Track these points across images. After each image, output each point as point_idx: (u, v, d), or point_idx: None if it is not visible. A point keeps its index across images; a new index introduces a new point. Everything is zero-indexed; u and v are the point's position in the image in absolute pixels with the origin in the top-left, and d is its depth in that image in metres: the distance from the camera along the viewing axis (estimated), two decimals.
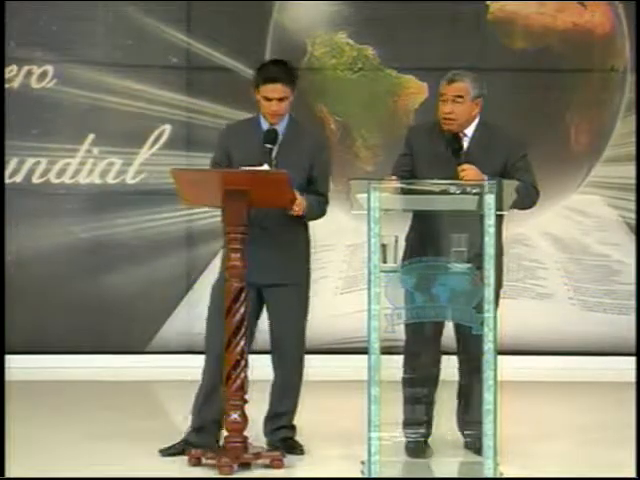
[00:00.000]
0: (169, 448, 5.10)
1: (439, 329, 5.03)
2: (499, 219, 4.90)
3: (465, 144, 5.07)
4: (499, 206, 4.68)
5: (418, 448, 5.00)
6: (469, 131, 5.09)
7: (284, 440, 5.20)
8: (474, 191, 4.76)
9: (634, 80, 7.21)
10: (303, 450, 5.19)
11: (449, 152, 5.03)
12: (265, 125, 5.13)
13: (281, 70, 5.14)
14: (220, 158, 5.16)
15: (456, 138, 5.05)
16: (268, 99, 5.07)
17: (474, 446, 4.94)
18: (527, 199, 5.06)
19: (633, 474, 4.58)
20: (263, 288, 5.11)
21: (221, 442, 5.03)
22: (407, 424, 5.06)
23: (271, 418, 5.26)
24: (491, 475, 4.69)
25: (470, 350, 4.91)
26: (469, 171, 4.92)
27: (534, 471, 4.89)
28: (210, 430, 5.10)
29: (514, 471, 4.76)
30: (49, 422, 5.70)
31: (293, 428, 5.27)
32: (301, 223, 5.17)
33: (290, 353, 5.25)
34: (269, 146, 5.03)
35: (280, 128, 5.12)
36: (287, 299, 5.17)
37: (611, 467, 4.93)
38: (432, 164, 5.04)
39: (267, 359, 5.27)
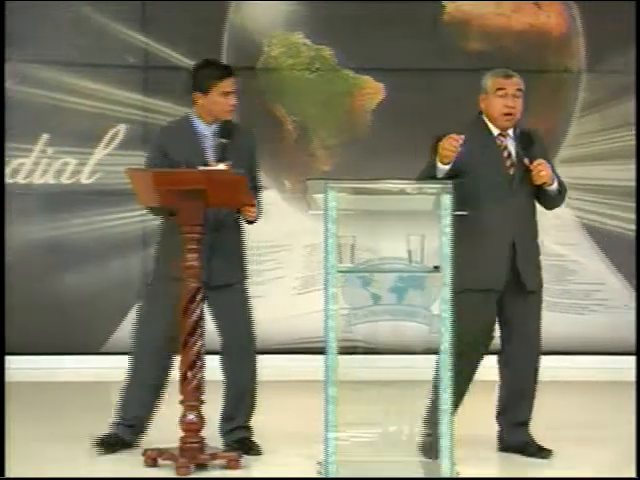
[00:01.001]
0: (102, 442, 5.09)
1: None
2: (533, 221, 4.99)
3: (510, 145, 4.99)
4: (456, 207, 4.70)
5: None
6: (510, 131, 5.02)
7: (240, 441, 5.17)
8: (431, 191, 4.77)
9: (588, 80, 7.26)
10: (260, 451, 5.17)
11: (499, 149, 4.95)
12: (200, 125, 5.05)
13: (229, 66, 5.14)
14: (156, 159, 5.07)
15: (528, 134, 4.96)
16: (228, 93, 5.03)
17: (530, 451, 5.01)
18: (563, 199, 5.09)
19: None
20: (208, 290, 5.05)
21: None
22: None
23: (227, 419, 5.23)
24: (448, 475, 4.71)
25: (523, 344, 4.98)
26: (544, 165, 4.87)
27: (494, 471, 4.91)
28: (142, 428, 5.17)
29: (471, 471, 4.78)
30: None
31: (249, 429, 5.25)
32: (238, 223, 5.14)
33: (243, 354, 5.22)
34: (224, 141, 4.98)
35: (214, 127, 5.06)
36: (234, 300, 5.15)
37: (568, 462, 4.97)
38: (484, 163, 4.95)
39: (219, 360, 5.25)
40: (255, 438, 5.26)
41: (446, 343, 4.70)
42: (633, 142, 7.31)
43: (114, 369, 5.40)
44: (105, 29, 7.20)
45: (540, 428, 5.12)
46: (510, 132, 5.00)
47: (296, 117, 7.43)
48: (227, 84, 5.05)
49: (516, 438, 5.07)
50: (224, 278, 5.09)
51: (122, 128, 7.18)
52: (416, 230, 4.77)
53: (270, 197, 7.25)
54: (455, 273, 4.80)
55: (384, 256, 4.85)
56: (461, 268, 4.85)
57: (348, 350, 4.84)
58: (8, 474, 4.61)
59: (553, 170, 4.97)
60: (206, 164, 4.94)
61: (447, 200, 4.69)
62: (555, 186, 4.95)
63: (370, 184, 4.82)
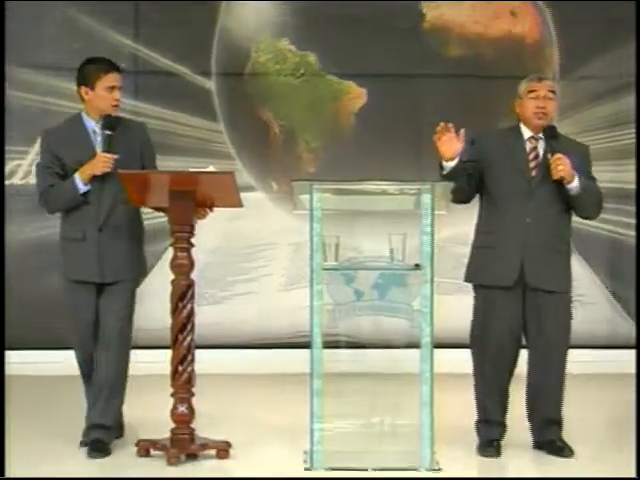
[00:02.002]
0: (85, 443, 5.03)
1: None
2: (567, 221, 4.95)
3: (540, 148, 4.95)
4: (437, 206, 4.73)
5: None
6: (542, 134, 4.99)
7: (94, 441, 5.00)
8: (411, 192, 4.78)
9: (561, 86, 7.27)
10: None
11: (526, 152, 4.93)
12: (89, 121, 4.97)
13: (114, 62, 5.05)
14: (49, 161, 4.97)
15: (552, 128, 4.93)
16: (113, 88, 4.94)
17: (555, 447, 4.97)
18: (597, 206, 5.03)
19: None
20: (106, 284, 4.99)
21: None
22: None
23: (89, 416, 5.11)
24: (427, 464, 4.74)
25: (543, 343, 4.93)
26: (564, 159, 4.82)
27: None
28: (115, 427, 5.10)
29: (455, 453, 4.81)
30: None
31: (114, 430, 5.11)
32: (140, 220, 5.13)
33: (122, 349, 5.07)
34: (109, 132, 4.89)
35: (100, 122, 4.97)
36: (122, 295, 5.04)
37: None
38: (507, 164, 4.94)
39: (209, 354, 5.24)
40: (243, 429, 5.27)
41: (427, 337, 4.73)
42: (606, 145, 7.32)
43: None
44: (97, 35, 7.18)
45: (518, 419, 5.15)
46: (542, 135, 4.96)
47: (282, 121, 7.44)
48: (111, 78, 4.94)
49: (543, 436, 5.05)
50: (120, 274, 5.01)
51: None
52: (398, 229, 4.79)
53: (257, 198, 7.28)
54: (474, 268, 4.98)
55: (367, 254, 4.88)
56: (478, 264, 4.99)
57: (332, 344, 4.87)
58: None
59: (585, 175, 4.91)
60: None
61: (427, 200, 4.71)
62: (576, 183, 4.85)
63: (353, 185, 4.83)
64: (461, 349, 5.16)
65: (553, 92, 4.97)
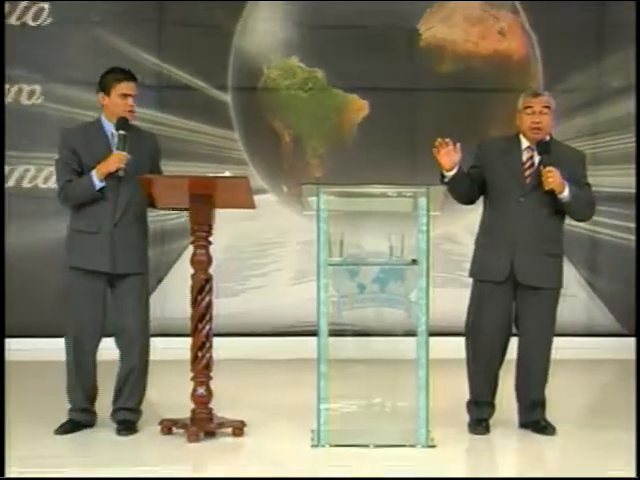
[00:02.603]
0: (61, 427, 4.91)
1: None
2: (558, 223, 4.91)
3: (535, 157, 4.90)
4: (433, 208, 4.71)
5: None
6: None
7: (122, 422, 4.98)
8: (409, 194, 4.76)
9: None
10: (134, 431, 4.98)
11: (522, 161, 4.89)
12: (107, 124, 4.91)
13: (132, 72, 4.98)
14: (68, 158, 4.89)
15: (545, 143, 4.88)
16: (126, 96, 4.89)
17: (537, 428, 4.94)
18: (588, 210, 5.00)
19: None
20: (116, 277, 4.91)
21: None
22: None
23: (115, 399, 5.06)
24: (423, 442, 4.72)
25: (529, 333, 4.92)
26: (554, 173, 4.78)
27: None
28: (91, 409, 5.01)
29: (448, 431, 4.79)
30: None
31: (135, 411, 5.03)
32: (146, 220, 5.04)
33: (139, 340, 5.00)
34: (123, 132, 4.84)
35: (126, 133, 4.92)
36: (138, 290, 4.98)
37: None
38: (504, 170, 4.91)
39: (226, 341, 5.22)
40: (256, 409, 5.26)
41: (423, 326, 4.71)
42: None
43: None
44: (123, 53, 7.17)
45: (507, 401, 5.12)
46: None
47: (292, 130, 7.42)
48: (125, 87, 4.89)
49: (529, 417, 5.00)
50: (130, 267, 4.92)
51: None
52: (396, 228, 4.77)
53: (269, 200, 7.27)
54: (474, 265, 4.99)
55: (369, 251, 4.86)
56: (477, 261, 4.99)
57: (337, 332, 4.84)
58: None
59: (576, 184, 4.86)
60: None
61: (423, 202, 4.70)
62: (566, 194, 4.80)
63: (356, 188, 4.82)
64: (454, 337, 5.16)
65: (548, 107, 4.90)
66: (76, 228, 4.95)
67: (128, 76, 4.94)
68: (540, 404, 5.01)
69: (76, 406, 4.98)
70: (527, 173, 4.90)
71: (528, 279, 4.87)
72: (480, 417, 5.01)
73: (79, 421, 4.96)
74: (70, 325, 4.94)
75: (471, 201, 5.04)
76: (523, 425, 5.04)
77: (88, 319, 4.91)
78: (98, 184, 4.85)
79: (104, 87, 4.93)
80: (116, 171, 4.82)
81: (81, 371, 4.95)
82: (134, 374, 4.99)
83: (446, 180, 4.84)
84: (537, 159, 4.90)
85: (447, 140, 4.80)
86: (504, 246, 4.87)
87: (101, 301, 4.92)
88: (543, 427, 4.95)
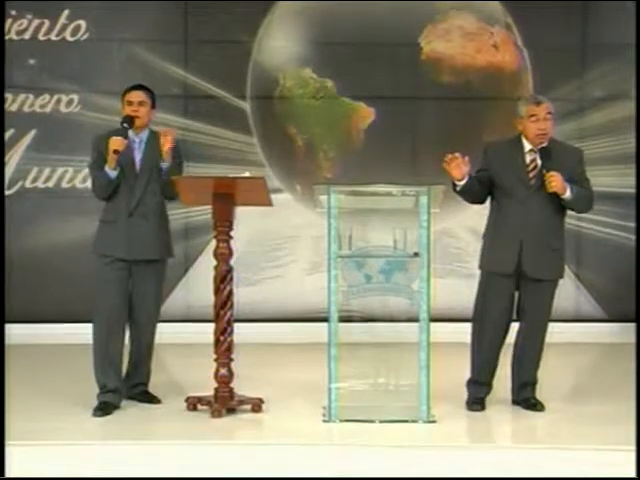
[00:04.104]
0: (99, 410, 4.85)
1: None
2: (561, 220, 4.86)
3: (538, 159, 4.84)
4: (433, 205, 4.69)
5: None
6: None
7: (144, 393, 5.09)
8: (411, 193, 4.75)
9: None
10: (159, 400, 5.06)
11: (525, 162, 4.83)
12: (130, 133, 4.97)
13: (143, 85, 5.09)
14: (97, 159, 4.98)
15: (546, 150, 4.82)
16: (130, 102, 4.99)
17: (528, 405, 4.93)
18: (588, 205, 4.95)
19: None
20: (134, 263, 4.92)
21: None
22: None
23: (128, 377, 5.09)
24: (425, 417, 4.71)
25: (529, 320, 4.90)
26: (557, 177, 4.74)
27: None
28: (121, 390, 4.98)
29: (447, 408, 4.76)
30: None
31: (147, 384, 5.13)
32: (165, 211, 5.05)
33: (152, 322, 5.06)
34: (126, 125, 4.91)
35: (142, 136, 5.02)
36: (155, 275, 5.02)
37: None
38: (509, 172, 4.86)
39: (245, 326, 5.21)
40: (273, 388, 5.24)
41: (424, 313, 4.70)
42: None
43: (164, 334, 5.31)
44: (153, 66, 7.17)
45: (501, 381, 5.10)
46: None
47: (305, 135, 7.40)
48: (129, 95, 5.01)
49: (520, 395, 5.00)
50: (155, 253, 4.98)
51: None
52: (400, 224, 4.76)
53: (285, 198, 7.24)
54: (483, 258, 4.95)
55: (375, 244, 4.85)
56: (485, 254, 4.96)
57: (346, 319, 4.83)
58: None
59: (577, 183, 4.82)
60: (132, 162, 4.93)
61: (424, 200, 4.69)
62: (568, 195, 4.77)
63: (364, 188, 4.82)
64: (452, 322, 5.16)
65: (550, 113, 4.84)
66: (100, 219, 5.05)
67: (136, 87, 5.06)
68: (532, 384, 5.00)
69: (107, 387, 4.93)
70: (531, 175, 4.86)
71: (535, 273, 4.84)
72: (477, 396, 5.00)
73: (112, 402, 4.92)
74: (98, 309, 4.93)
75: (481, 202, 5.02)
76: (515, 402, 5.03)
77: (115, 302, 4.90)
78: (111, 173, 4.88)
79: (121, 100, 5.06)
80: (116, 153, 4.83)
81: (108, 351, 4.91)
82: (149, 352, 5.05)
83: (458, 189, 4.84)
84: (540, 161, 4.85)
85: (457, 154, 4.77)
86: (512, 242, 4.83)
87: (125, 286, 4.93)
88: (533, 404, 4.95)
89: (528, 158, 4.88)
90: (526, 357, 4.98)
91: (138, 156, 4.99)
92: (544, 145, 4.85)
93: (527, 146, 4.89)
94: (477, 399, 4.99)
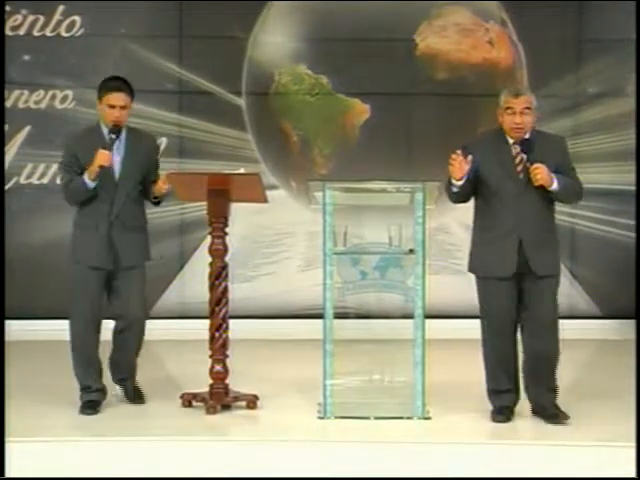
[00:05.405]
0: (86, 409, 4.82)
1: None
2: (552, 213, 4.68)
3: (520, 150, 4.61)
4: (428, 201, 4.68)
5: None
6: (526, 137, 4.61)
7: (135, 389, 5.04)
8: (406, 190, 4.74)
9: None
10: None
11: (512, 156, 4.62)
12: (105, 130, 4.81)
13: (123, 82, 4.83)
14: (70, 162, 4.80)
15: (528, 141, 4.58)
16: (112, 106, 4.75)
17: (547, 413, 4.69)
18: (577, 196, 4.76)
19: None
20: (119, 271, 4.83)
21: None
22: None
23: (118, 373, 5.05)
24: (420, 413, 4.70)
25: (539, 319, 4.67)
26: (542, 169, 4.52)
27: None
28: (105, 389, 4.95)
29: (443, 405, 4.77)
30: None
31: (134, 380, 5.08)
32: (144, 215, 4.96)
33: (139, 321, 4.95)
34: (114, 136, 4.74)
35: (121, 137, 4.81)
36: (139, 279, 4.91)
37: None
38: (497, 168, 4.63)
39: (241, 323, 5.20)
40: (268, 385, 5.23)
41: (419, 309, 4.70)
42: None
43: (158, 330, 5.32)
44: (148, 62, 7.15)
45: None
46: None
47: (300, 131, 7.39)
48: (111, 98, 4.74)
49: (539, 402, 4.73)
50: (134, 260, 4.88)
51: (162, 141, 7.11)
52: (395, 220, 4.75)
53: (279, 195, 7.23)
54: (477, 261, 4.71)
55: (370, 241, 4.84)
56: (480, 258, 4.70)
57: (341, 315, 4.83)
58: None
59: (564, 173, 4.63)
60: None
61: (420, 197, 4.68)
62: (555, 187, 4.55)
63: (359, 184, 4.81)
64: (447, 319, 5.15)
65: (529, 108, 4.61)
66: (77, 222, 4.88)
67: (117, 88, 4.78)
68: (549, 390, 4.74)
69: (92, 388, 4.88)
70: (519, 169, 4.62)
71: (543, 269, 4.61)
72: (502, 404, 4.72)
73: (99, 400, 4.90)
74: (75, 312, 4.83)
75: (467, 200, 4.76)
76: (534, 412, 4.75)
77: (93, 307, 4.82)
78: (90, 184, 4.73)
79: (98, 94, 4.84)
80: (102, 167, 4.69)
81: (90, 354, 4.85)
82: (138, 347, 4.97)
83: (455, 190, 4.61)
84: (524, 155, 4.63)
85: (459, 153, 4.56)
86: (509, 242, 4.60)
87: (102, 291, 4.84)
88: (554, 415, 4.66)
89: (513, 151, 4.64)
90: (539, 364, 4.68)
91: (117, 157, 4.81)
92: (526, 137, 4.62)
93: (510, 139, 4.66)
94: (501, 408, 4.72)
